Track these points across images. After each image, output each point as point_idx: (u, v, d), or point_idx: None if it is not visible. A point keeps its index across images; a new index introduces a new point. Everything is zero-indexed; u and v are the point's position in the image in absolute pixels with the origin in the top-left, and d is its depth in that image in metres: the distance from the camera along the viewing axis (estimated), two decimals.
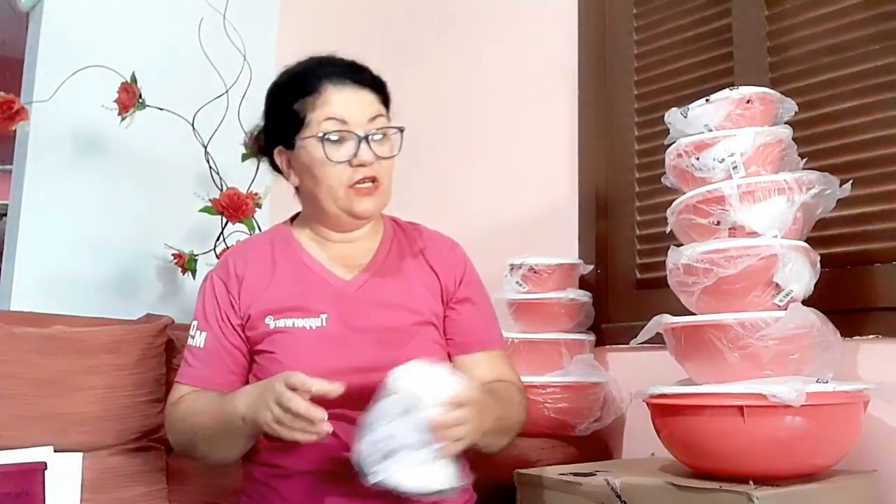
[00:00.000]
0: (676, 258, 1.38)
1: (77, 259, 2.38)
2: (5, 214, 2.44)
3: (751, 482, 1.19)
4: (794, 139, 1.42)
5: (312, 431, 1.09)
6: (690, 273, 1.35)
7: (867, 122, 1.57)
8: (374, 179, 1.30)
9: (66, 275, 2.35)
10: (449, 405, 1.08)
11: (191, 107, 2.29)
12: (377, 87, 1.35)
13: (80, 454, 1.40)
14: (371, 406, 1.10)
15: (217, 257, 2.20)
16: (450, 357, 1.37)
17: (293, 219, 1.45)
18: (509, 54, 2.26)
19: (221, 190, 2.28)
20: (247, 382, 1.34)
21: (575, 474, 1.38)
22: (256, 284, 1.33)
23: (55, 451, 1.33)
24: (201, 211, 2.23)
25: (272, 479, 1.28)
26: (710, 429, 1.26)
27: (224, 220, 2.25)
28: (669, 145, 1.46)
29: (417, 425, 1.06)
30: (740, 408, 1.22)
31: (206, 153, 2.31)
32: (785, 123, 1.43)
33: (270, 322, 1.30)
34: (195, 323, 1.35)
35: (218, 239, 2.31)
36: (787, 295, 1.31)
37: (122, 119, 2.14)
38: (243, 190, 2.24)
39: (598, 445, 1.81)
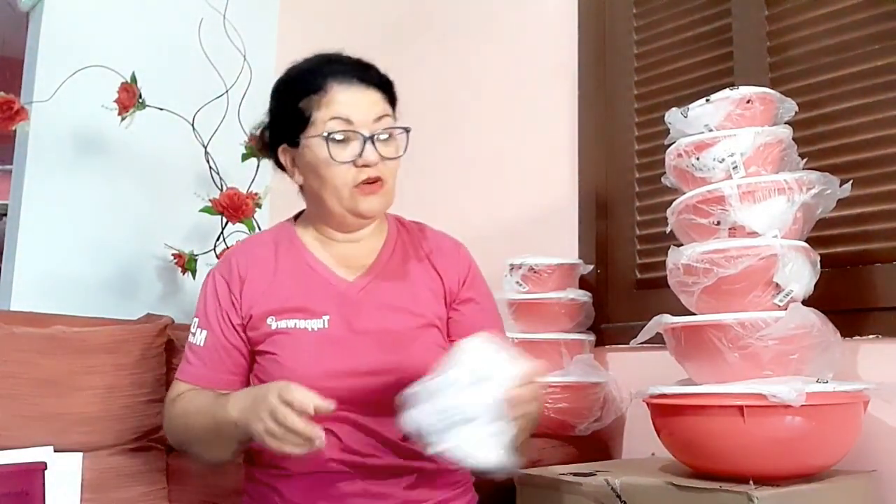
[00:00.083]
0: (676, 258, 1.38)
1: (77, 259, 2.38)
2: (5, 214, 2.44)
3: (751, 482, 1.19)
4: (794, 139, 1.42)
5: (305, 446, 1.07)
6: (690, 273, 1.35)
7: (867, 122, 1.57)
8: (378, 180, 1.29)
9: (66, 275, 2.35)
10: (521, 380, 1.05)
11: (191, 107, 2.29)
12: (384, 86, 1.33)
13: (80, 454, 1.41)
14: (434, 374, 1.05)
15: (217, 257, 2.20)
16: None
17: (297, 217, 1.44)
18: (509, 54, 2.26)
19: (221, 190, 2.28)
20: (247, 382, 1.34)
21: (575, 474, 1.37)
22: (259, 284, 1.32)
23: (55, 451, 1.34)
24: (201, 211, 2.23)
25: (274, 479, 1.28)
26: (710, 429, 1.26)
27: (224, 220, 2.25)
28: (669, 145, 1.46)
29: (490, 398, 1.02)
30: (740, 408, 1.22)
31: (206, 153, 2.31)
32: (785, 123, 1.43)
33: (272, 322, 1.29)
34: (196, 320, 1.35)
35: (218, 239, 2.31)
36: (787, 295, 1.31)
37: (122, 119, 2.14)
38: (243, 190, 2.24)
39: (598, 445, 1.81)
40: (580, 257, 1.96)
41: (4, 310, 2.23)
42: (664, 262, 1.42)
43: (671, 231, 1.48)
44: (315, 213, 1.38)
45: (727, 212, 1.34)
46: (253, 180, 2.29)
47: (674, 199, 1.45)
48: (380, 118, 1.30)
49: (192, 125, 2.29)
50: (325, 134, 1.27)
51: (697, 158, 1.39)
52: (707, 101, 1.41)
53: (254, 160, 2.29)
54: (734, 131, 1.37)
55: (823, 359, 1.29)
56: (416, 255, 1.39)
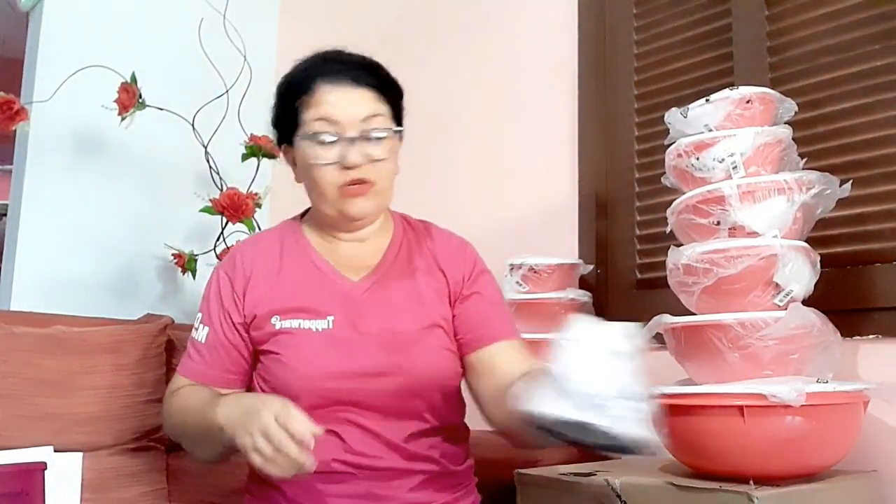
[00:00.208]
0: (676, 258, 1.38)
1: (77, 259, 2.38)
2: (5, 214, 2.44)
3: (751, 482, 1.19)
4: (794, 139, 1.42)
5: (293, 472, 1.03)
6: (690, 273, 1.35)
7: (867, 122, 1.57)
8: (364, 182, 1.27)
9: (66, 275, 2.34)
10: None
11: (191, 107, 2.29)
12: (381, 85, 1.30)
13: (80, 454, 1.41)
14: (555, 355, 0.97)
15: (217, 258, 2.20)
16: (463, 362, 1.32)
17: (304, 214, 1.43)
18: (509, 54, 2.26)
19: (221, 190, 2.28)
20: (248, 381, 1.34)
21: (575, 474, 1.37)
22: (263, 282, 1.31)
23: (55, 451, 1.34)
24: (201, 211, 2.23)
25: (278, 479, 1.27)
26: (710, 429, 1.26)
27: (224, 220, 2.25)
28: (669, 145, 1.46)
29: (630, 376, 0.96)
30: (740, 408, 1.22)
31: (206, 153, 2.31)
32: (785, 123, 1.43)
33: (276, 322, 1.28)
34: (200, 315, 1.34)
35: (218, 239, 2.31)
36: (787, 295, 1.31)
37: (122, 119, 2.14)
38: (243, 190, 2.24)
39: None
40: (580, 257, 1.96)
41: (4, 310, 2.23)
42: (664, 262, 1.42)
43: (671, 231, 1.47)
44: (315, 212, 1.37)
45: (727, 212, 1.34)
46: (253, 180, 2.29)
47: (674, 199, 1.45)
48: (368, 118, 1.27)
49: (193, 125, 2.29)
50: (311, 134, 1.26)
51: (697, 158, 1.39)
52: (707, 101, 1.41)
53: (254, 160, 2.29)
54: (734, 131, 1.37)
55: (823, 359, 1.29)
56: (422, 255, 1.37)
